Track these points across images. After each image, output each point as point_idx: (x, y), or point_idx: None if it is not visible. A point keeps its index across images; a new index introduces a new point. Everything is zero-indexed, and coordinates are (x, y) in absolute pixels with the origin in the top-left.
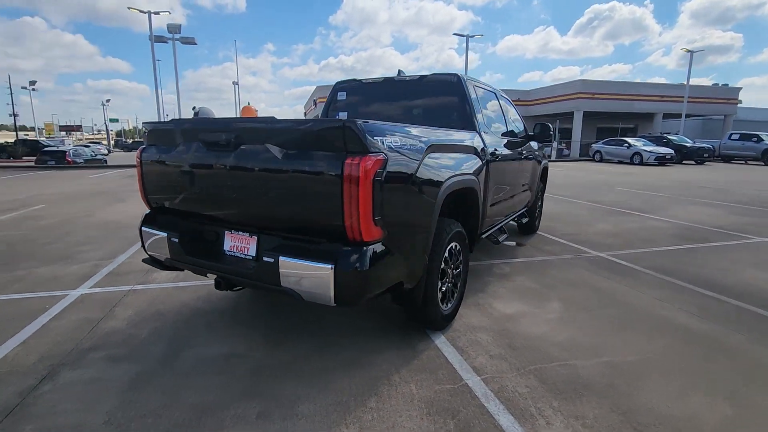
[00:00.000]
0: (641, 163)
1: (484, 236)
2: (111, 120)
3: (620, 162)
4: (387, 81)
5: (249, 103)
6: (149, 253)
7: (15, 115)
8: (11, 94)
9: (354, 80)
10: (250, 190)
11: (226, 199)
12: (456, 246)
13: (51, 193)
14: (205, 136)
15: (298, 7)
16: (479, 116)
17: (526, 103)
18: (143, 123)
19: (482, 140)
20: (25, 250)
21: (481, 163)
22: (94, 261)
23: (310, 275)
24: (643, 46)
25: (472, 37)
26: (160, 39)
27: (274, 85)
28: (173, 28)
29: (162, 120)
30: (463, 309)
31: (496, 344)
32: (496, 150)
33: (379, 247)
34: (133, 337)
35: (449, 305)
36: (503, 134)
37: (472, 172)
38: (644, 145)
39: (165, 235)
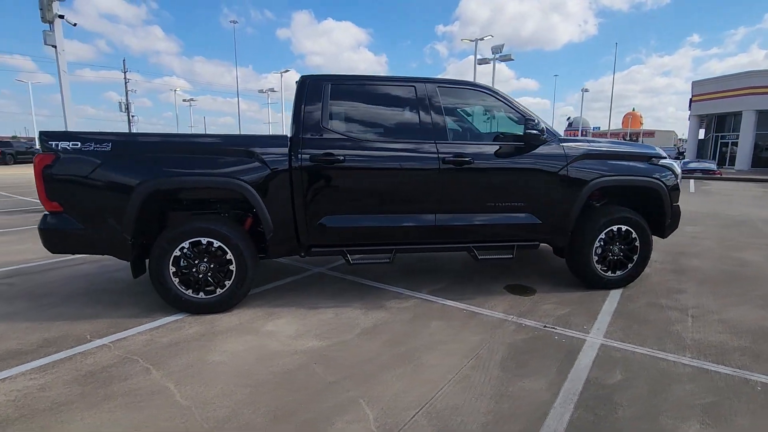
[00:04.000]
0: None
1: (317, 250)
2: None
3: None
4: None
5: (634, 109)
6: None
7: None
8: None
9: None
10: None
11: None
12: (213, 242)
13: None
14: None
15: None
16: (309, 119)
17: None
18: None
19: (296, 144)
20: None
21: (268, 168)
22: None
23: None
24: None
25: None
26: (483, 61)
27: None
28: (495, 49)
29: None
30: (246, 308)
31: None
32: (335, 155)
33: (61, 217)
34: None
35: (203, 295)
36: (404, 138)
37: (236, 176)
38: None
39: None
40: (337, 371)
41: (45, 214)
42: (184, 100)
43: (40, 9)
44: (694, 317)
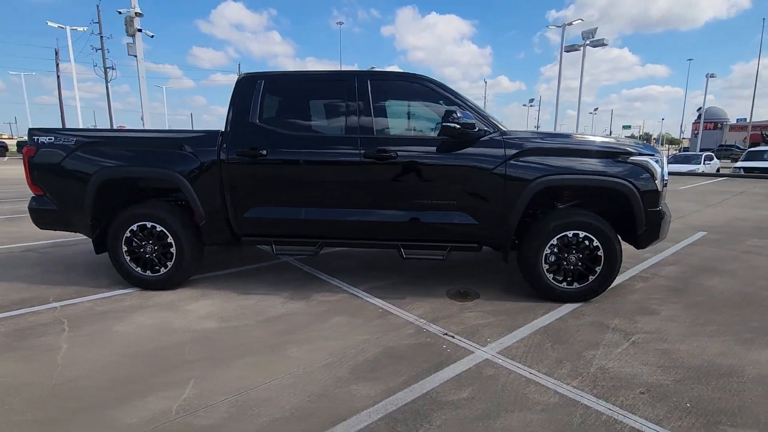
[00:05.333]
0: None
1: (247, 239)
2: (624, 126)
3: None
4: None
5: None
6: None
7: (537, 127)
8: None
9: None
10: None
11: None
12: (156, 226)
13: None
14: None
15: None
16: (240, 115)
17: None
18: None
19: (225, 139)
20: None
21: (198, 161)
22: None
23: None
24: None
25: None
26: (571, 48)
27: None
28: (587, 34)
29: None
30: (188, 288)
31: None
32: (258, 149)
33: (42, 199)
34: None
35: (150, 273)
36: (329, 133)
37: (170, 167)
38: None
39: None
40: (203, 352)
41: (32, 197)
42: None
43: (125, 25)
44: (634, 343)
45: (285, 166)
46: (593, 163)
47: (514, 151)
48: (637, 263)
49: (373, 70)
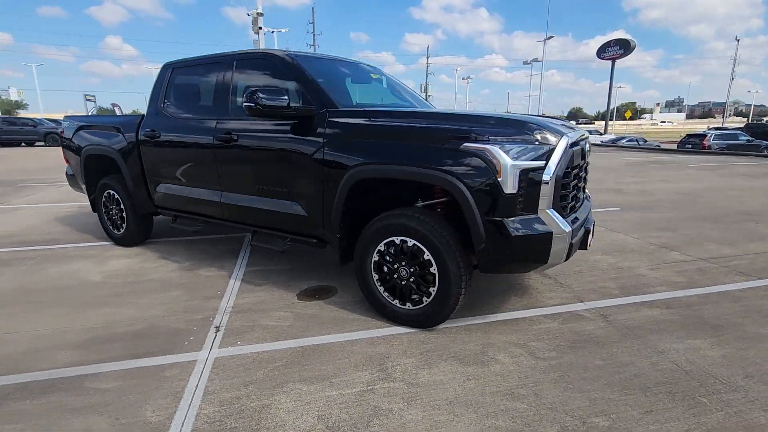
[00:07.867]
0: None
1: (162, 211)
2: None
3: None
4: None
5: None
6: None
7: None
8: None
9: None
10: None
11: None
12: (113, 194)
13: None
14: None
15: None
16: (154, 100)
17: None
18: None
19: (141, 123)
20: None
21: (124, 140)
22: None
23: None
24: None
25: None
26: None
27: None
28: None
29: None
30: (141, 247)
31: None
32: (155, 131)
33: (68, 168)
34: None
35: (117, 231)
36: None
37: (106, 145)
38: None
39: None
40: (46, 297)
41: (66, 166)
42: (462, 79)
43: (252, 23)
44: (363, 392)
45: (168, 147)
46: (417, 150)
47: (332, 134)
48: (622, 295)
49: (246, 50)
